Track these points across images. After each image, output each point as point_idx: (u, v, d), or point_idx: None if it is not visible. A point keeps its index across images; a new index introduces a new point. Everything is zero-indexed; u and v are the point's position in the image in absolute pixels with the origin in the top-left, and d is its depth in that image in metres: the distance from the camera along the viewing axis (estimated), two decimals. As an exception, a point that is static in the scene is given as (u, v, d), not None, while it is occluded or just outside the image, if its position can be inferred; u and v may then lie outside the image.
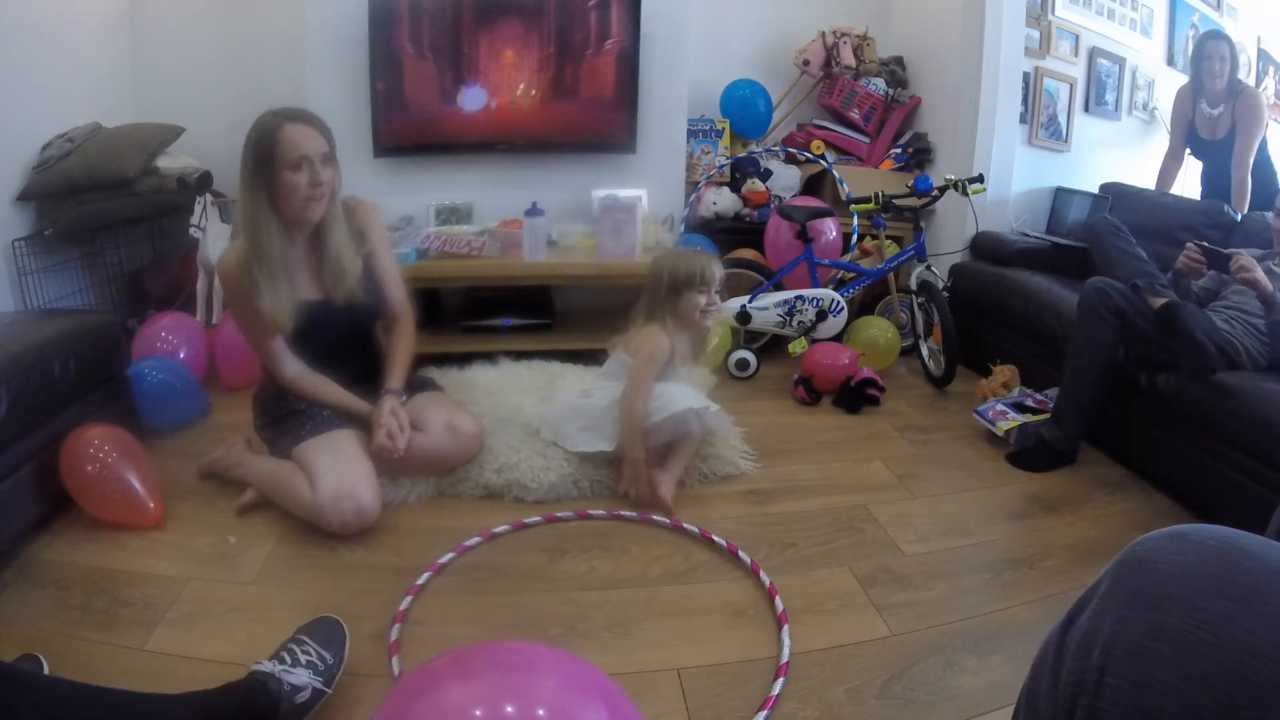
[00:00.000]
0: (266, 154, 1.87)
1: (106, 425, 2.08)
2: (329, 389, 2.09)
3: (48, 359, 1.96)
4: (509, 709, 0.90)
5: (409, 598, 1.70)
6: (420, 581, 1.75)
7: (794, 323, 3.11)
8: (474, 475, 2.21)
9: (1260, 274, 2.18)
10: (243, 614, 1.67)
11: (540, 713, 0.90)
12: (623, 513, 2.08)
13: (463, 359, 2.99)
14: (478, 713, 0.89)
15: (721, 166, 3.76)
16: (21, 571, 1.78)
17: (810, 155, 3.76)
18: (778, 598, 1.73)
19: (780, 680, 1.48)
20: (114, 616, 1.64)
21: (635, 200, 3.23)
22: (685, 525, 1.99)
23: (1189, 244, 2.39)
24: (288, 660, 1.35)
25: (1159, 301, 2.27)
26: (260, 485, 2.07)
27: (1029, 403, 2.63)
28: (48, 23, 2.95)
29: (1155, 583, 0.61)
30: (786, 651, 1.55)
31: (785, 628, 1.63)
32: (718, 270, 2.29)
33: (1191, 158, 3.68)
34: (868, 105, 3.86)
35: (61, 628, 1.60)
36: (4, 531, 1.79)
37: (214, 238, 2.98)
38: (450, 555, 1.86)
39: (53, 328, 2.10)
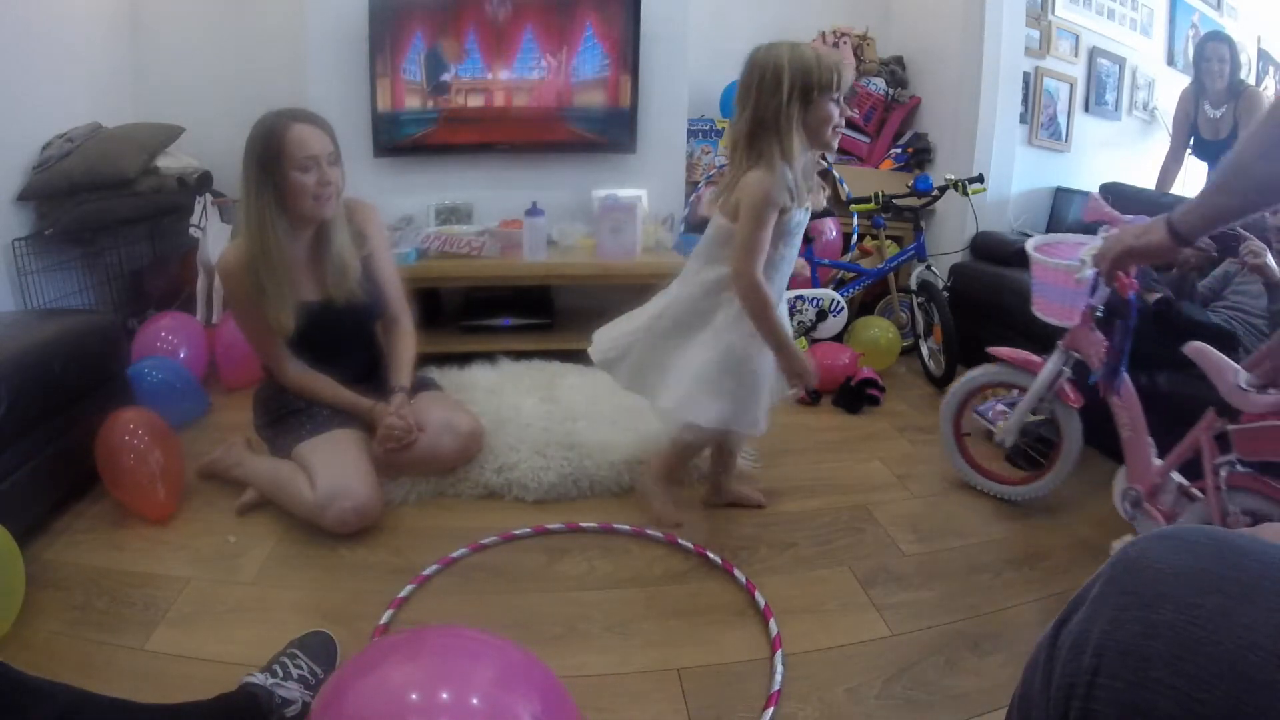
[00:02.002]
0: (274, 155, 1.87)
1: (146, 410, 2.13)
2: (330, 388, 2.10)
3: (48, 359, 1.96)
4: (444, 695, 0.93)
5: (390, 610, 1.67)
6: (403, 594, 1.73)
7: (794, 322, 3.11)
8: (474, 475, 2.21)
9: (1269, 259, 2.17)
10: (243, 614, 1.67)
11: (473, 701, 0.93)
12: (615, 525, 2.04)
13: (463, 359, 2.98)
14: (413, 696, 0.93)
15: (721, 166, 3.76)
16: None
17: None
18: (757, 593, 1.74)
19: (779, 675, 1.48)
20: (114, 616, 1.64)
21: (635, 200, 3.23)
22: (680, 541, 1.96)
23: None
24: (280, 673, 1.35)
25: (1153, 296, 2.28)
26: (260, 485, 2.07)
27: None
28: (48, 23, 2.95)
29: (1148, 582, 0.61)
30: (780, 662, 1.54)
31: (772, 620, 1.64)
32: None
33: (1194, 159, 3.68)
34: (868, 105, 3.87)
35: (61, 627, 1.60)
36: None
37: (214, 238, 2.98)
38: (435, 567, 1.84)
39: (53, 328, 2.10)
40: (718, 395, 1.79)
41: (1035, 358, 2.09)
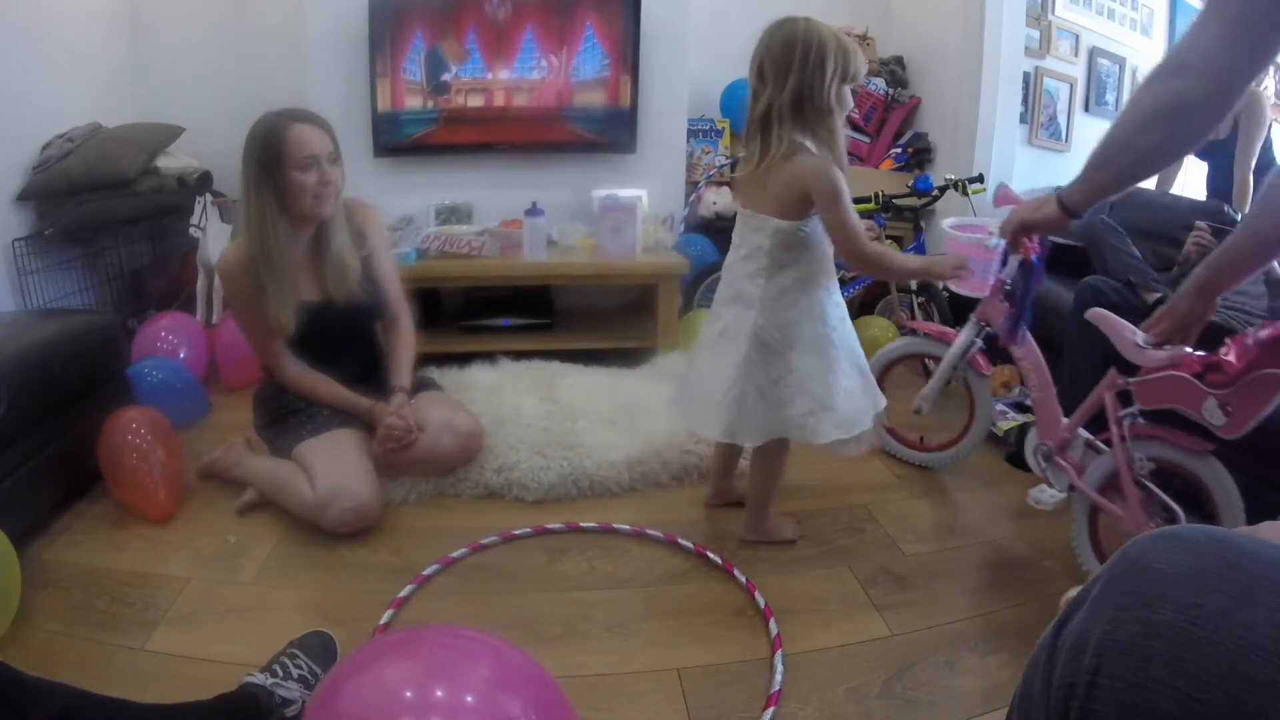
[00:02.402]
0: (275, 155, 1.88)
1: (149, 409, 2.15)
2: (329, 388, 2.10)
3: (48, 359, 1.97)
4: (438, 693, 0.95)
5: (390, 610, 1.67)
6: (403, 594, 1.73)
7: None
8: (474, 475, 2.21)
9: None
10: (243, 614, 1.68)
11: (468, 699, 0.95)
12: (615, 525, 2.03)
13: (463, 359, 2.98)
14: (407, 694, 0.94)
15: (721, 166, 3.77)
16: (21, 572, 1.78)
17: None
18: (757, 593, 1.74)
19: (779, 675, 1.48)
20: (114, 616, 1.65)
21: (635, 200, 3.23)
22: (680, 541, 1.96)
23: (1198, 223, 2.40)
24: (280, 673, 1.35)
25: (1153, 296, 2.28)
26: (260, 485, 2.07)
27: (1029, 403, 2.62)
28: (48, 23, 2.95)
29: (1148, 582, 0.61)
30: (780, 662, 1.54)
31: (772, 620, 1.64)
32: None
33: (1193, 158, 3.67)
34: (868, 105, 3.87)
35: (61, 627, 1.60)
36: (4, 531, 1.79)
37: (214, 237, 2.98)
38: (435, 567, 1.84)
39: (53, 328, 2.10)
40: (853, 394, 1.80)
41: (950, 330, 2.32)
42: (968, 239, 2.34)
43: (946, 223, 2.46)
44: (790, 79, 1.63)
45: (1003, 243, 1.85)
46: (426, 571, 1.81)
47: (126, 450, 2.00)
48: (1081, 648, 0.61)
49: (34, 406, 1.89)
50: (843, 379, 1.78)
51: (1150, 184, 3.68)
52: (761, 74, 1.68)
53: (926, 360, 3.06)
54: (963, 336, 2.19)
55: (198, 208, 3.00)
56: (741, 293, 1.79)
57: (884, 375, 2.47)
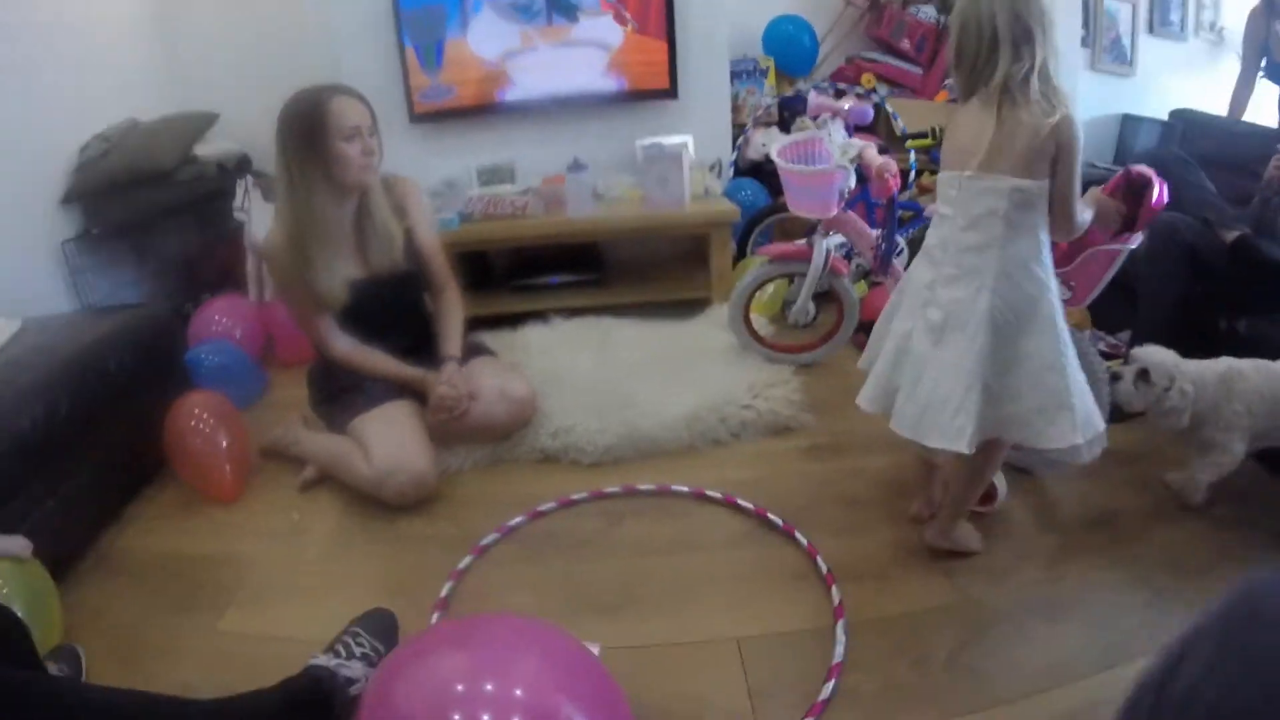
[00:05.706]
0: (319, 127, 1.88)
1: (212, 393, 2.20)
2: (380, 360, 2.11)
3: (104, 356, 2.00)
4: (488, 686, 0.97)
5: (450, 583, 1.69)
6: (462, 566, 1.74)
7: (852, 266, 3.00)
8: (529, 440, 2.21)
9: None
10: (309, 591, 1.72)
11: (517, 692, 0.97)
12: (673, 486, 2.00)
13: (514, 320, 2.97)
14: (459, 688, 0.97)
15: (769, 106, 3.64)
16: (99, 562, 1.85)
17: (861, 89, 3.60)
18: (819, 558, 1.69)
19: (840, 645, 1.45)
20: (187, 599, 1.70)
21: (681, 147, 3.13)
22: (740, 502, 1.91)
23: None
24: (343, 653, 1.37)
25: (1231, 235, 2.14)
26: (319, 461, 2.11)
27: (1101, 347, 2.51)
28: (77, 24, 2.95)
29: (1268, 639, 0.55)
30: (842, 631, 1.49)
31: (834, 587, 1.60)
32: None
33: (1266, 81, 3.41)
34: (919, 34, 3.67)
35: (139, 613, 1.66)
36: (78, 525, 1.85)
37: (259, 217, 2.98)
38: (493, 536, 1.85)
39: (108, 324, 2.14)
40: (1084, 386, 1.54)
41: (800, 245, 2.52)
42: (808, 170, 2.39)
43: (774, 152, 2.46)
44: (1043, 39, 1.43)
45: (847, 167, 2.17)
46: (485, 541, 1.82)
47: (191, 434, 2.04)
48: (1191, 709, 0.56)
49: (95, 403, 1.93)
50: (1075, 368, 1.52)
51: (1222, 110, 3.45)
52: (1014, 36, 1.43)
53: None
54: (819, 250, 2.47)
55: (239, 190, 3.00)
56: (967, 268, 1.53)
57: (750, 298, 2.67)
